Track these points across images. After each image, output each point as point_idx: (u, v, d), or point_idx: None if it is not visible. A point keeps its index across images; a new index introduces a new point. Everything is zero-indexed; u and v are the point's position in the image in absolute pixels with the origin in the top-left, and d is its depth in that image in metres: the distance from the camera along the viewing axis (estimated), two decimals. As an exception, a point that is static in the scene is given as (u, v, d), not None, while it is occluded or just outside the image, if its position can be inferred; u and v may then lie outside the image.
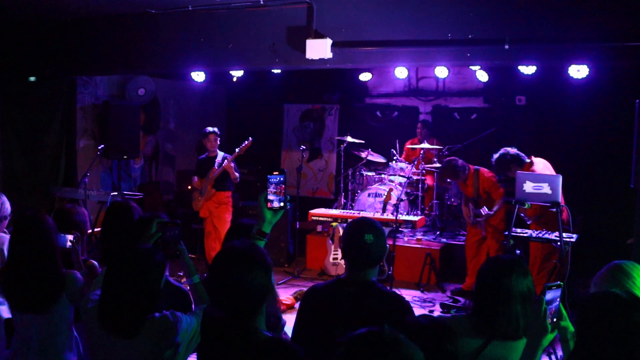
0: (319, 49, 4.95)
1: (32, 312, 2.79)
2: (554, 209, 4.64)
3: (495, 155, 5.69)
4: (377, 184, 7.82)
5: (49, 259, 2.83)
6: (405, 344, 1.42)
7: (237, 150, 6.85)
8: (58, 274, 2.83)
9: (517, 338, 2.29)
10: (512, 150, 5.62)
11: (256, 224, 2.40)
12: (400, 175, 7.56)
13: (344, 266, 6.91)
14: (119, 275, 2.28)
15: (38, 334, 2.79)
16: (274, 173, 2.36)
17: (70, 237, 3.23)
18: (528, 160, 5.57)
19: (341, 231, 7.09)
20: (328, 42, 4.95)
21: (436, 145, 7.95)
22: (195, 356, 2.27)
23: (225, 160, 6.85)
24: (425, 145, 7.75)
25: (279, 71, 7.15)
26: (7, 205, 3.65)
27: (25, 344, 2.80)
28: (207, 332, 2.15)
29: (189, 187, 7.59)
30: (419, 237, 7.46)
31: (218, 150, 7.02)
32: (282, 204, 2.36)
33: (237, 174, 6.89)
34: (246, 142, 6.82)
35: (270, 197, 2.35)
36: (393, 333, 1.43)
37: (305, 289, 4.36)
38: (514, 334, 2.28)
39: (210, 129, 6.97)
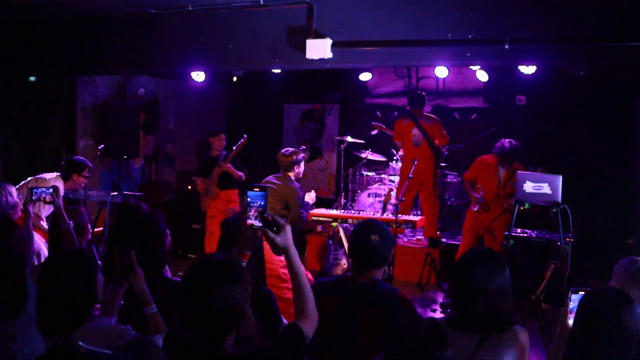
0: (319, 49, 4.95)
1: (3, 318, 2.69)
2: (555, 210, 4.64)
3: (508, 146, 5.82)
4: (377, 184, 7.83)
5: (13, 268, 2.74)
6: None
7: (234, 148, 6.85)
8: (22, 285, 2.73)
9: (492, 332, 2.27)
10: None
11: (235, 245, 2.12)
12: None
13: (344, 266, 6.95)
14: (50, 278, 2.26)
15: (19, 335, 2.72)
16: (255, 190, 2.03)
17: (49, 190, 3.18)
18: None
19: (341, 231, 7.09)
20: (328, 42, 4.95)
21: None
22: None
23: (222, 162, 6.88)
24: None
25: (279, 71, 7.15)
26: (8, 198, 3.61)
27: (7, 345, 2.72)
28: (173, 353, 1.94)
29: (189, 188, 7.58)
30: (419, 237, 7.46)
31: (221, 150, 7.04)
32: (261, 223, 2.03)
33: (240, 173, 6.95)
34: (241, 139, 6.81)
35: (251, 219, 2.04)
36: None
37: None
38: (483, 327, 2.26)
39: (219, 128, 7.04)
